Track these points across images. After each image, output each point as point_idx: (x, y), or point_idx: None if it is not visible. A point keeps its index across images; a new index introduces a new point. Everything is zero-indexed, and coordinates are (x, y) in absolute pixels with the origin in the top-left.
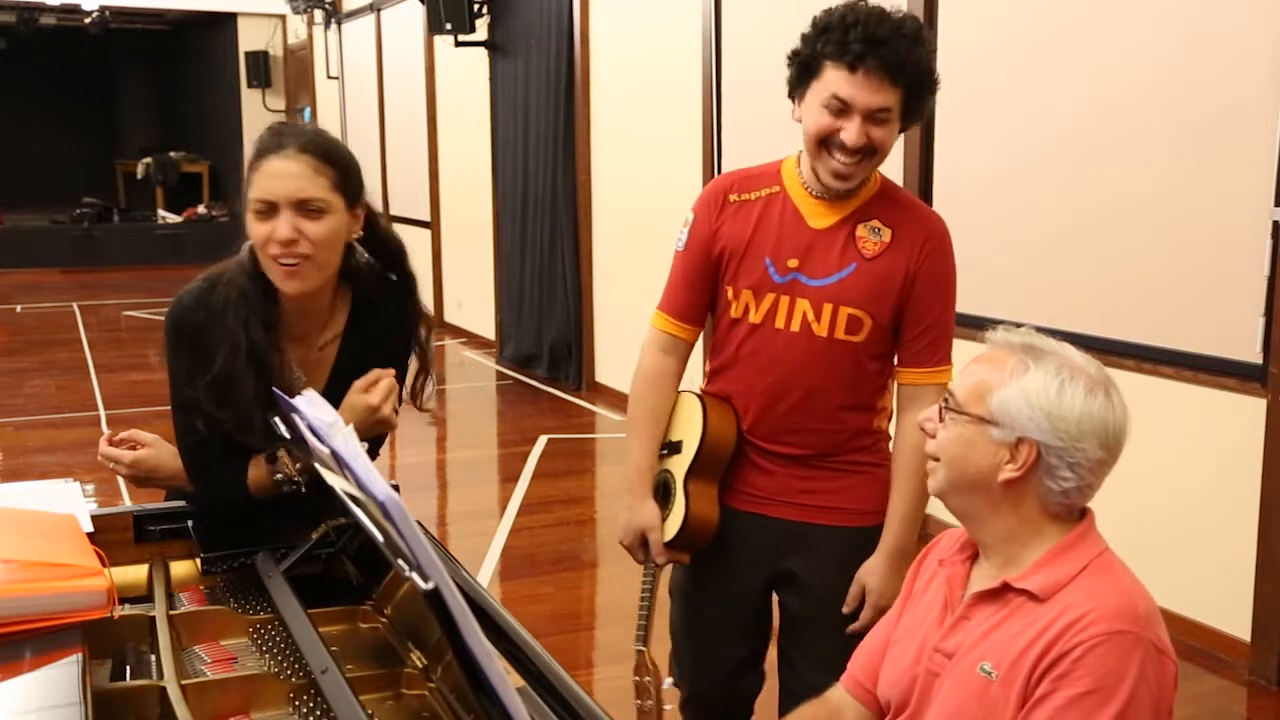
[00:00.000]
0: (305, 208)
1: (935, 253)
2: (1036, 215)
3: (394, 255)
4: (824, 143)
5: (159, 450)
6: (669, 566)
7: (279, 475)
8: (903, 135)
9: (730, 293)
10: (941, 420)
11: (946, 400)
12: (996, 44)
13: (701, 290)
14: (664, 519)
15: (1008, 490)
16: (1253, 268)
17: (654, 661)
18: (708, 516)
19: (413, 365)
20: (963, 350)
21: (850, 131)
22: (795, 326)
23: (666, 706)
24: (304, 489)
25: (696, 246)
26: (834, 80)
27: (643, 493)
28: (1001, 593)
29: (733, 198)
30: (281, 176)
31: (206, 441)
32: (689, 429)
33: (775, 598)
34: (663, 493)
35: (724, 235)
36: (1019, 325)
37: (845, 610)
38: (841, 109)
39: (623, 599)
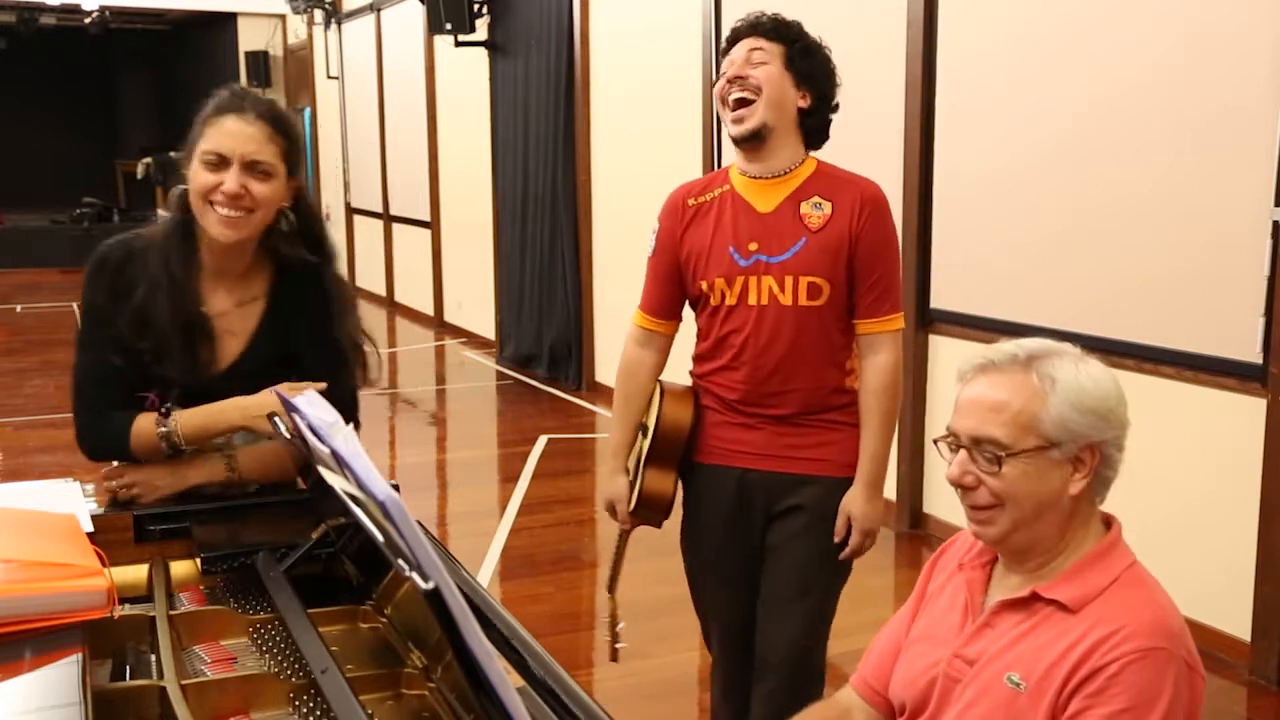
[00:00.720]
0: (255, 168)
1: (872, 216)
2: (1036, 215)
3: (316, 227)
4: (723, 103)
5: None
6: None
7: (163, 429)
8: (903, 135)
9: (705, 285)
10: (996, 469)
11: (984, 448)
12: (996, 44)
13: (671, 288)
14: (632, 491)
15: (1076, 501)
16: (1253, 268)
17: (617, 606)
18: (659, 492)
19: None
20: (968, 351)
21: (734, 66)
22: (764, 300)
23: (620, 644)
24: (184, 451)
25: (663, 250)
26: (723, 64)
27: (614, 468)
28: (1029, 602)
29: (691, 202)
30: (239, 136)
31: (103, 380)
32: (653, 415)
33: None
34: (636, 467)
35: (689, 238)
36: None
37: (836, 539)
38: (728, 66)
39: (623, 599)
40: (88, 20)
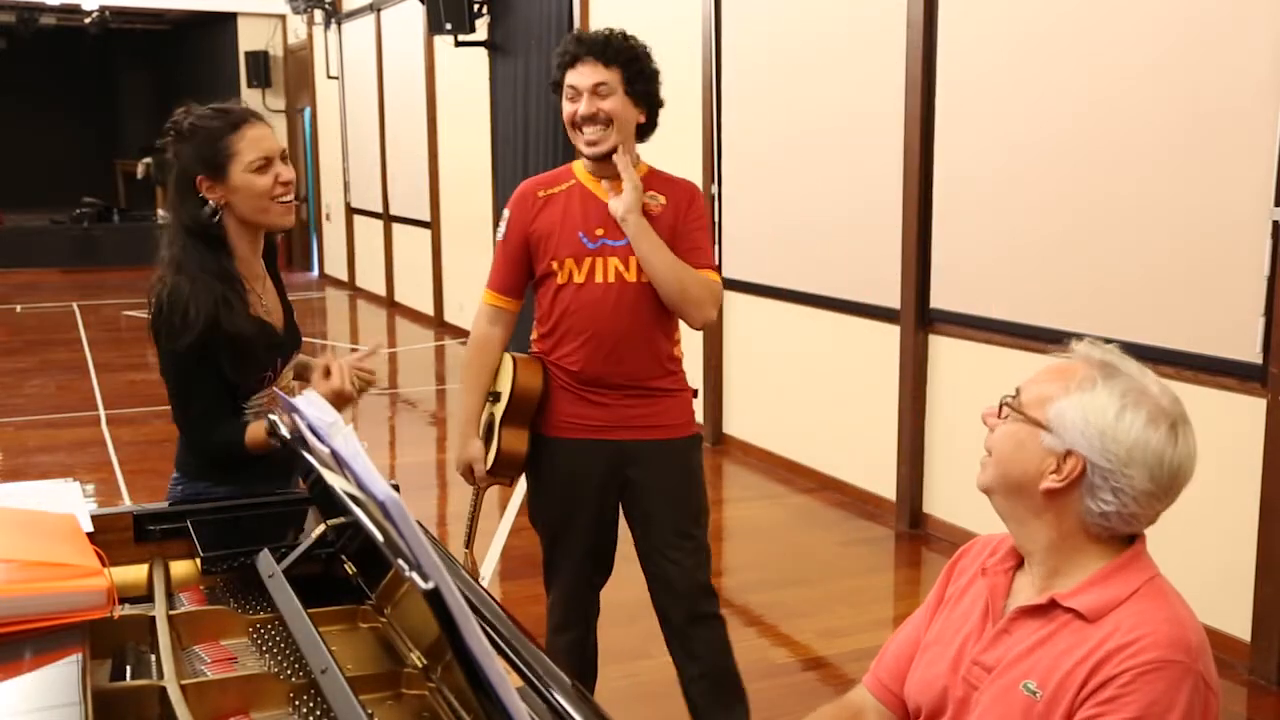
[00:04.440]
0: (284, 157)
1: (692, 206)
2: (1036, 215)
3: None
4: (573, 126)
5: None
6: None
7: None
8: (903, 136)
9: (555, 264)
10: (1001, 416)
11: (1010, 398)
12: (996, 44)
13: (520, 271)
14: (487, 452)
15: (1048, 500)
16: (1253, 268)
17: (474, 560)
18: (515, 450)
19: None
20: (968, 351)
21: (583, 105)
22: (611, 279)
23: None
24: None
25: (514, 236)
26: (567, 78)
27: (469, 433)
28: (1048, 609)
29: (541, 194)
30: (269, 137)
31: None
32: (506, 383)
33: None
34: (488, 431)
35: (538, 224)
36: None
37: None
38: (574, 94)
39: (622, 599)
40: (88, 20)
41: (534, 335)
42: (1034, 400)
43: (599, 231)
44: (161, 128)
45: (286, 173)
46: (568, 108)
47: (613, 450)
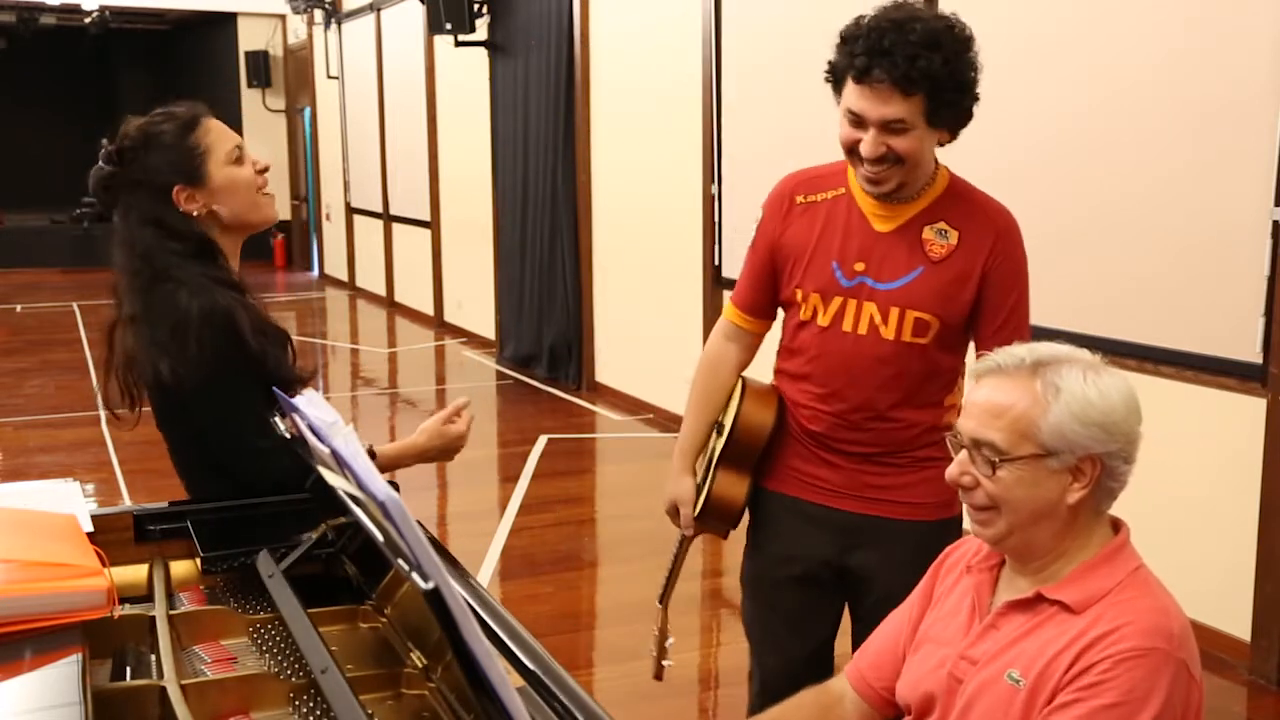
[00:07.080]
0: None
1: (1006, 250)
2: (1037, 215)
3: None
4: (850, 152)
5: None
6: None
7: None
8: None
9: (799, 295)
10: (993, 474)
11: (983, 451)
12: (997, 44)
13: (765, 288)
14: (699, 494)
15: (1074, 509)
16: (1253, 268)
17: (667, 620)
18: (730, 498)
19: None
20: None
21: (867, 143)
22: (863, 330)
23: (667, 662)
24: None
25: (762, 246)
26: (849, 93)
27: (681, 468)
28: (1034, 602)
29: (799, 199)
30: (228, 128)
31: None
32: (731, 414)
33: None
34: (706, 469)
35: (789, 237)
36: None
37: None
38: (857, 121)
39: (623, 599)
40: (88, 20)
41: (776, 363)
42: (1015, 439)
43: (859, 266)
44: (100, 151)
45: (261, 159)
46: (846, 130)
47: (839, 523)
